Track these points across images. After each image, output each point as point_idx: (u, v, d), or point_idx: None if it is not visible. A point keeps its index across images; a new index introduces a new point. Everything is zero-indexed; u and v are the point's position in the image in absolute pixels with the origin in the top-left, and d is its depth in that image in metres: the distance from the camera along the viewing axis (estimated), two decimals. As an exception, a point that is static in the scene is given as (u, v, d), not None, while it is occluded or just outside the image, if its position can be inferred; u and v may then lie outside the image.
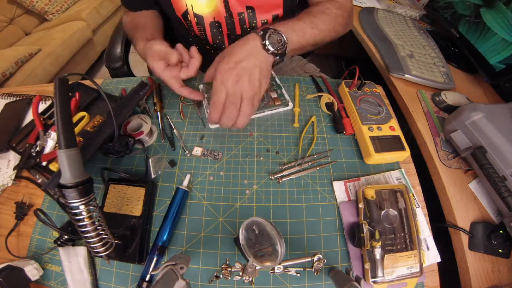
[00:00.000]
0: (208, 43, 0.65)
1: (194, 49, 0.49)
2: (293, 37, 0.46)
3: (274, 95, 0.58)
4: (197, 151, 0.51)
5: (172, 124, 0.55)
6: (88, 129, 0.48)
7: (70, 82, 0.35)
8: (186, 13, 0.58)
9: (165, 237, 0.42)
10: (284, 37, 0.44)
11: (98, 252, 0.34)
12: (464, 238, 0.47)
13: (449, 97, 0.62)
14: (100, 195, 0.47)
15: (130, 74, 0.73)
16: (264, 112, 0.56)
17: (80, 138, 0.46)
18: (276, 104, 0.56)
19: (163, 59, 0.48)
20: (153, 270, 0.40)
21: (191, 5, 0.56)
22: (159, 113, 0.55)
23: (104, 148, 0.46)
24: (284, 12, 0.60)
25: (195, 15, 0.58)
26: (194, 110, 0.57)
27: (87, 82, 0.60)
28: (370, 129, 0.51)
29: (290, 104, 0.57)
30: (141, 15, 0.61)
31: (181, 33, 0.66)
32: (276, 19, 0.60)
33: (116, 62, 0.68)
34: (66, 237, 0.41)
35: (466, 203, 0.50)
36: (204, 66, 0.81)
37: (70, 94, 0.52)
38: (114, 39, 0.74)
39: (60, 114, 0.31)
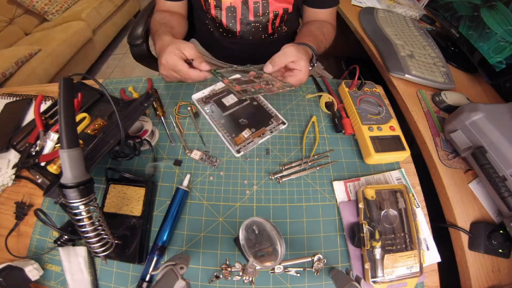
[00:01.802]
0: (222, 26, 0.70)
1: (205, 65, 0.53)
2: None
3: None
4: (196, 154, 0.51)
5: (174, 124, 0.55)
6: (89, 131, 0.48)
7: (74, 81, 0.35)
8: None
9: (165, 237, 0.42)
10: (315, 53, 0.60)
11: (97, 252, 0.34)
12: (464, 238, 0.47)
13: (449, 97, 0.62)
14: (100, 195, 0.47)
15: (148, 52, 0.79)
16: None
17: (80, 141, 0.46)
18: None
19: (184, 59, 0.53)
20: (153, 270, 0.40)
21: None
22: (162, 117, 0.54)
23: (112, 152, 0.46)
24: (293, 7, 0.68)
25: None
26: (191, 121, 0.57)
27: (88, 82, 0.60)
28: (370, 129, 0.51)
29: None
30: (172, 17, 0.67)
31: (199, 14, 0.73)
32: (286, 13, 0.68)
33: (137, 40, 0.77)
34: (66, 237, 0.41)
35: (466, 203, 0.50)
36: (215, 49, 0.88)
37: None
38: (138, 20, 0.81)
39: (64, 114, 0.31)
